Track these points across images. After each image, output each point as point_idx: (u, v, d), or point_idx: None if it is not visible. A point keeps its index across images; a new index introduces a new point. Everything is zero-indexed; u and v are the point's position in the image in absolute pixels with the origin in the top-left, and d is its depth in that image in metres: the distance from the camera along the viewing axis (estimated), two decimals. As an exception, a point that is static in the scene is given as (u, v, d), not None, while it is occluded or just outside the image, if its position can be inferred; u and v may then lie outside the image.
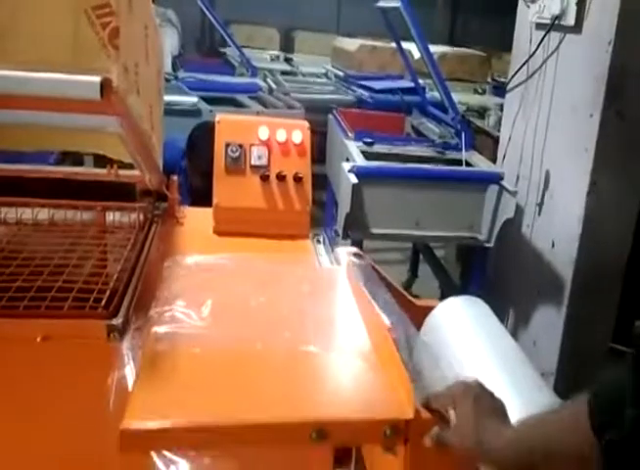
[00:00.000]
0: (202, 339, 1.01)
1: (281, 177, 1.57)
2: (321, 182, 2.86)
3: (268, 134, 1.59)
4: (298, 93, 4.38)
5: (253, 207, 1.56)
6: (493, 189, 2.48)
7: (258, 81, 4.68)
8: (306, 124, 1.66)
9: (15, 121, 1.10)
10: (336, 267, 1.38)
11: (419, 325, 1.19)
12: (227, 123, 1.63)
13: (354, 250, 1.40)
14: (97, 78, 0.90)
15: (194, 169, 3.23)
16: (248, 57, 5.33)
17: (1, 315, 0.98)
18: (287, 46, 8.64)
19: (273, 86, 4.58)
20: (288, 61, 7.19)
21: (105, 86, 0.90)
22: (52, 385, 0.98)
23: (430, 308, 1.26)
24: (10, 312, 0.99)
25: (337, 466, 1.09)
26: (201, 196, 1.77)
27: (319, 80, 5.55)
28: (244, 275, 1.29)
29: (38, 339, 0.94)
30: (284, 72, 5.97)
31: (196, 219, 1.60)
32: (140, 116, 1.13)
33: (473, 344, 1.15)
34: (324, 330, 1.10)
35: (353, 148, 2.78)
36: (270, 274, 1.30)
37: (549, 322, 2.40)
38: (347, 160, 2.70)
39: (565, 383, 2.34)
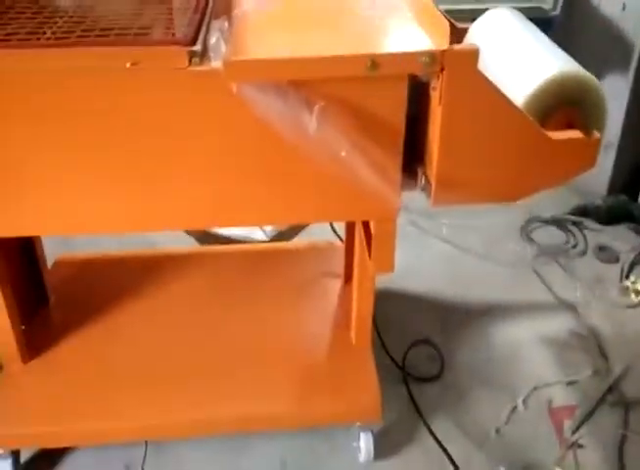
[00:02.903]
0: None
1: None
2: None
3: None
4: None
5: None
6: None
7: None
8: None
9: None
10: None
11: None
12: None
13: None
14: None
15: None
16: None
17: (91, 44, 1.02)
18: None
19: None
20: None
21: None
22: (144, 116, 1.05)
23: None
24: (100, 41, 1.02)
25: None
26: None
27: None
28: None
29: (128, 64, 0.98)
30: None
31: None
32: None
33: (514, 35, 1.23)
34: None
35: None
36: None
37: (614, 93, 2.32)
38: None
39: (626, 155, 2.33)
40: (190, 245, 2.14)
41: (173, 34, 1.09)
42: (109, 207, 1.14)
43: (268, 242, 2.19)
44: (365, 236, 1.25)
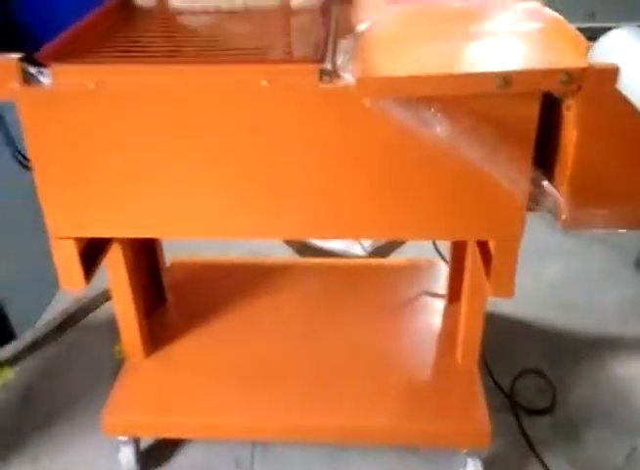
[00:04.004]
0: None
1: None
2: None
3: None
4: None
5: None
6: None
7: None
8: None
9: None
10: None
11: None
12: None
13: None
14: None
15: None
16: None
17: (228, 62, 1.07)
18: None
19: None
20: None
21: None
22: (270, 129, 1.08)
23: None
24: (236, 59, 1.07)
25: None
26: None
27: None
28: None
29: (264, 82, 1.02)
30: None
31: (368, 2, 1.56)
32: None
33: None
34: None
35: None
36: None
37: None
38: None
39: None
40: (290, 255, 2.18)
41: (303, 52, 1.13)
42: (221, 213, 1.18)
43: (366, 257, 2.20)
44: (482, 257, 1.21)
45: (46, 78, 1.07)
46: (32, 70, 1.07)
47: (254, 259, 2.04)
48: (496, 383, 1.63)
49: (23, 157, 1.88)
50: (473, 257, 1.33)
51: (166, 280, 1.76)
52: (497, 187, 1.05)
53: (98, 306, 1.96)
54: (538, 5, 1.23)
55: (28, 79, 1.06)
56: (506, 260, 1.13)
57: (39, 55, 1.09)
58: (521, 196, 1.06)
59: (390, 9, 1.33)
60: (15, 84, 1.06)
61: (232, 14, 1.45)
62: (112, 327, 1.51)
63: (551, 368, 1.71)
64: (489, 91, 0.97)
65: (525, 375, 1.68)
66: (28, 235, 1.90)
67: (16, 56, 1.06)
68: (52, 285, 2.02)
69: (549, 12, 1.19)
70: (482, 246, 1.24)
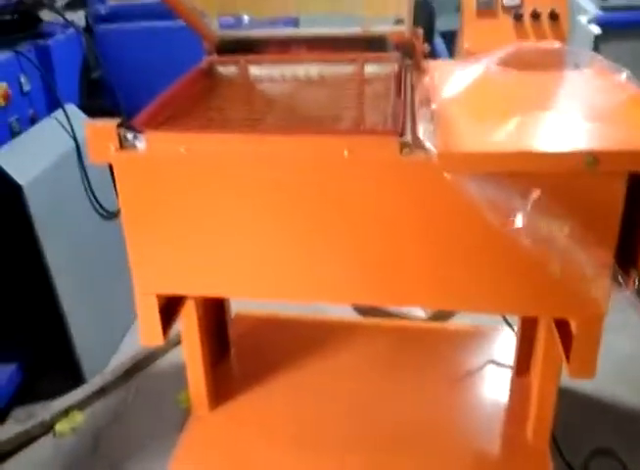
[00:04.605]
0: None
1: (535, 15, 1.48)
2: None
3: (520, -30, 1.50)
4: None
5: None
6: None
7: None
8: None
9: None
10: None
11: None
12: (474, -35, 1.55)
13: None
14: None
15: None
16: None
17: (310, 132, 1.10)
18: None
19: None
20: None
21: None
22: (347, 197, 1.10)
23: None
24: (315, 129, 1.11)
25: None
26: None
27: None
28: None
29: (346, 153, 1.04)
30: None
31: (442, 69, 1.59)
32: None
33: None
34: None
35: (584, 2, 2.48)
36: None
37: None
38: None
39: None
40: (351, 313, 2.16)
41: (383, 124, 1.15)
42: (295, 278, 1.20)
43: (427, 319, 2.16)
44: (560, 335, 1.17)
45: (141, 144, 1.13)
46: (129, 135, 1.13)
47: (317, 317, 2.04)
48: (568, 464, 1.54)
49: (102, 208, 1.98)
50: (547, 332, 1.28)
51: (231, 332, 1.78)
52: (580, 266, 1.02)
53: (164, 354, 2.00)
54: (623, 77, 1.22)
55: (125, 144, 1.13)
56: (589, 340, 1.09)
57: (134, 122, 1.15)
58: (606, 275, 1.03)
59: (468, 77, 1.35)
60: (112, 148, 1.13)
61: (308, 82, 1.52)
62: (176, 374, 1.54)
63: (626, 450, 1.60)
64: (576, 170, 0.97)
65: (597, 456, 1.59)
66: (99, 281, 1.98)
67: (114, 122, 1.13)
68: (120, 330, 2.08)
69: (634, 85, 1.18)
70: (560, 324, 1.20)
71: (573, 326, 1.11)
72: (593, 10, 2.33)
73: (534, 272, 1.06)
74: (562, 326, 1.18)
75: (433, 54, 1.87)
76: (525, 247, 1.04)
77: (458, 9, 1.61)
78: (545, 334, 1.30)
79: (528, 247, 1.03)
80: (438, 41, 3.01)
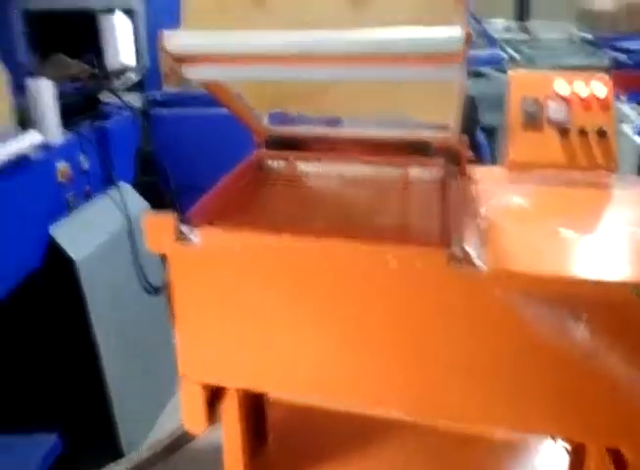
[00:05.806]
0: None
1: (583, 133, 1.52)
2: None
3: (566, 87, 1.55)
4: (545, 59, 4.14)
5: (552, 162, 1.53)
6: None
7: (499, 52, 4.51)
8: (606, 77, 1.58)
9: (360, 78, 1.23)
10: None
11: None
12: (521, 78, 1.62)
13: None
14: (458, 31, 0.96)
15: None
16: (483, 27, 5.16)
17: (356, 238, 1.11)
18: (520, 12, 8.15)
19: (515, 55, 4.39)
20: (523, 29, 6.79)
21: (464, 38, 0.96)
22: (393, 304, 1.11)
23: None
24: (364, 235, 1.13)
25: None
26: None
27: (563, 46, 5.16)
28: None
29: (391, 262, 1.06)
30: (521, 41, 5.66)
31: (487, 177, 1.63)
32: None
33: None
34: None
35: (627, 110, 2.55)
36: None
37: None
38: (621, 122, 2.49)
39: None
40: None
41: (429, 235, 1.16)
42: (331, 379, 1.19)
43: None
44: (613, 461, 1.12)
45: (195, 237, 1.17)
46: (185, 229, 1.18)
47: (354, 411, 1.99)
48: None
49: (149, 283, 2.02)
50: (598, 459, 1.22)
51: (269, 420, 1.75)
52: (635, 393, 0.99)
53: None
54: None
55: (181, 237, 1.17)
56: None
57: (189, 215, 1.20)
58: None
59: (515, 188, 1.38)
60: (168, 240, 1.17)
61: (354, 182, 1.56)
62: (212, 456, 1.49)
63: None
64: (626, 298, 0.96)
65: None
66: (142, 353, 1.98)
67: (171, 215, 1.18)
68: (162, 402, 2.06)
69: None
70: (614, 450, 1.15)
71: (628, 456, 1.07)
72: (637, 119, 2.39)
73: (586, 396, 1.03)
74: (617, 454, 1.13)
75: (473, 148, 1.94)
76: (577, 369, 1.02)
77: (501, 105, 1.64)
78: (596, 460, 1.24)
79: (579, 369, 1.01)
80: (480, 136, 3.08)
